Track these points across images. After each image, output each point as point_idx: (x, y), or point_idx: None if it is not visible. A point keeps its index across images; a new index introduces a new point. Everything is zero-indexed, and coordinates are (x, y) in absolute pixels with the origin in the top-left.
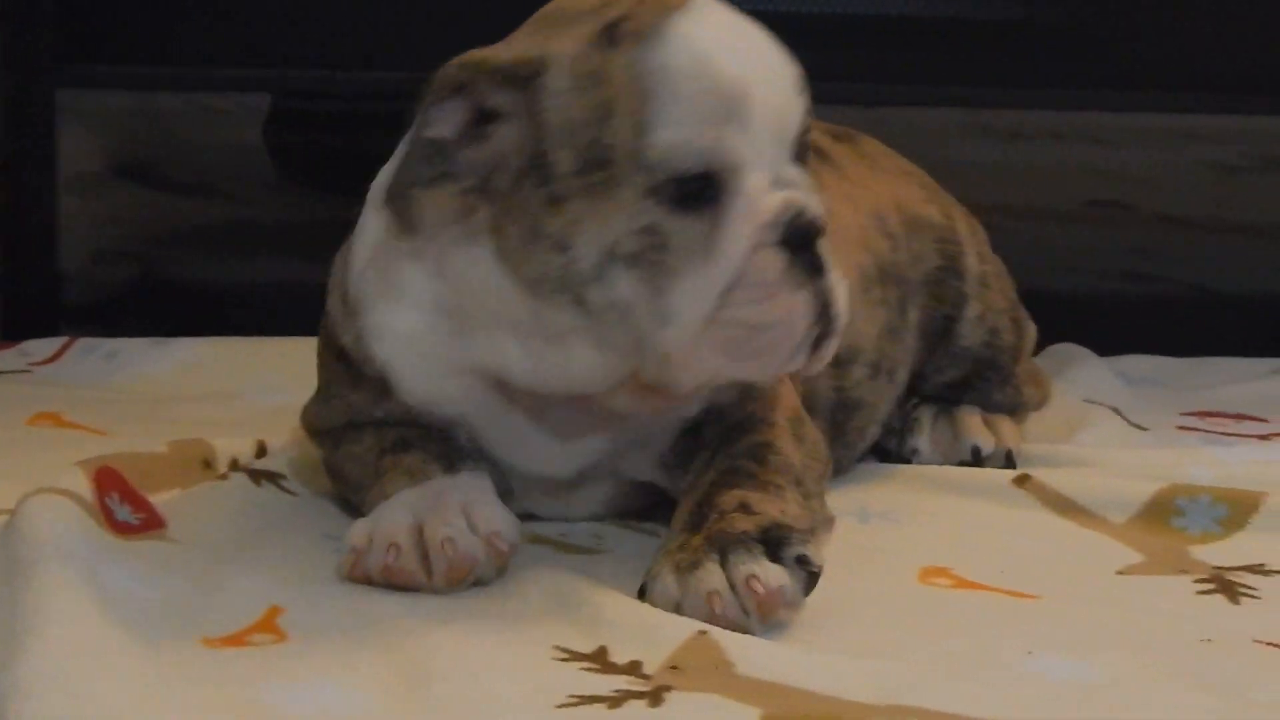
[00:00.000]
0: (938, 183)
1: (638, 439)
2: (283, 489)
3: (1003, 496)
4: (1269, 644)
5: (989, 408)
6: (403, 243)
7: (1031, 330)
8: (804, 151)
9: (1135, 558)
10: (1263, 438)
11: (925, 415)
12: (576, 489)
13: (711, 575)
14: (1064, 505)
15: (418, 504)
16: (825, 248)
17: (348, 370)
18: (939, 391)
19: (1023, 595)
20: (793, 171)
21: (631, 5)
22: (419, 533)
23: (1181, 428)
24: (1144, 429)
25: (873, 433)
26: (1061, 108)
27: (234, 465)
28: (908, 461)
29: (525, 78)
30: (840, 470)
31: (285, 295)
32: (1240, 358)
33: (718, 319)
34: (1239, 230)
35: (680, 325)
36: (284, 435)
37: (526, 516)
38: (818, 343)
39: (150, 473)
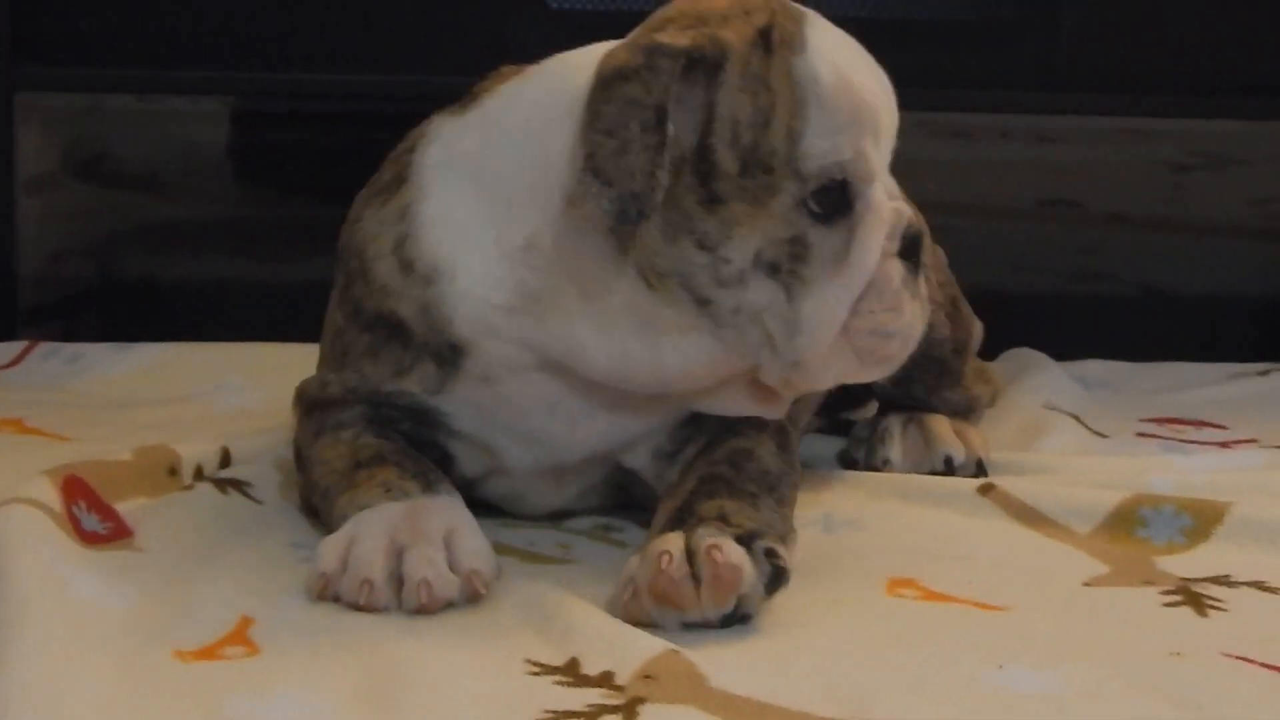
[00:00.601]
0: None
1: (640, 433)
2: (249, 497)
3: (968, 505)
4: (1238, 657)
5: (940, 408)
6: (487, 220)
7: (977, 328)
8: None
9: (1101, 569)
10: (1223, 445)
11: (895, 425)
12: (568, 476)
13: (670, 541)
14: (1029, 515)
15: (397, 528)
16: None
17: (378, 339)
18: (885, 390)
19: (990, 607)
20: (892, 182)
21: (772, 13)
22: (395, 559)
23: (1141, 434)
24: (1104, 436)
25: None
26: (1009, 110)
27: (199, 473)
28: (879, 472)
29: (707, 67)
30: None
31: (242, 293)
32: (1197, 363)
33: (850, 328)
34: (1189, 229)
35: (814, 333)
36: (247, 440)
37: (493, 519)
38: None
39: (116, 481)
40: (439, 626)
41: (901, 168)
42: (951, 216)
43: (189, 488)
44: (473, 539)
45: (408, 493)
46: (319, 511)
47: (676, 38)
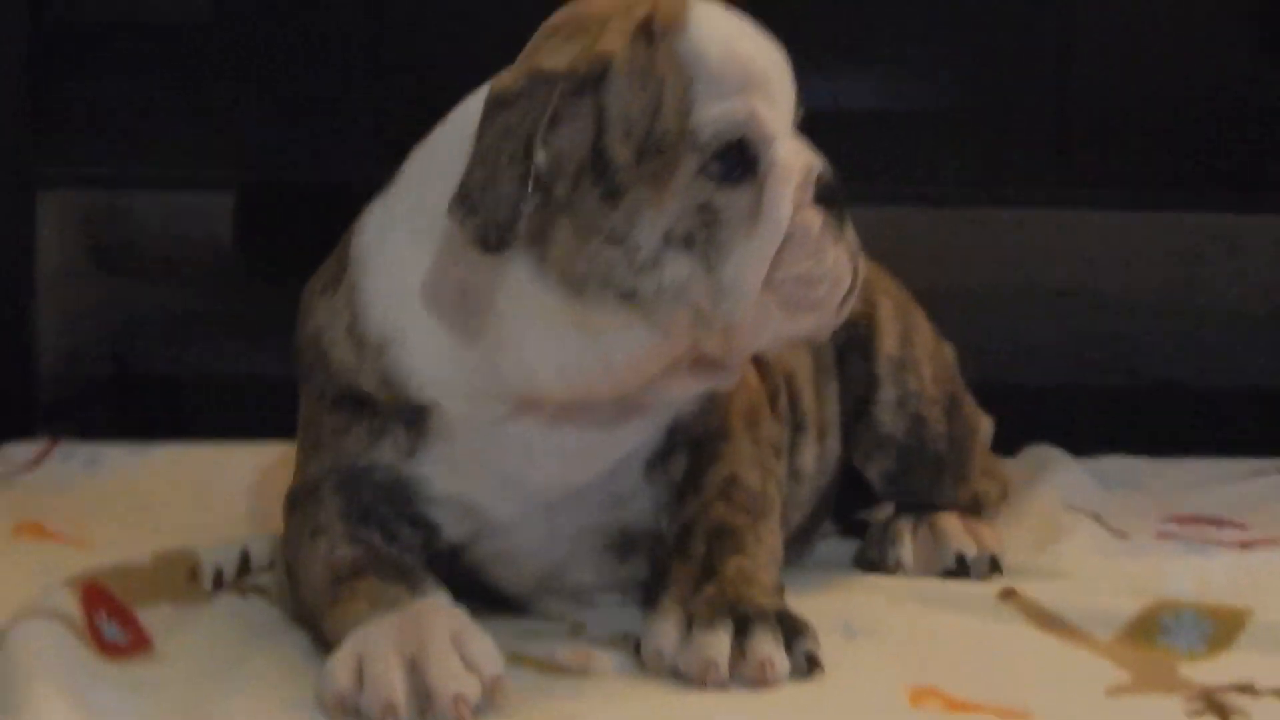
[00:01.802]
0: (895, 271)
1: (628, 453)
2: (270, 601)
3: (988, 611)
4: None
5: (945, 505)
6: (422, 275)
7: (985, 424)
8: (797, 126)
9: (1123, 677)
10: (1243, 545)
11: (905, 526)
12: (561, 513)
13: (719, 645)
14: (1049, 621)
15: (402, 640)
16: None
17: (345, 417)
18: (884, 488)
19: (1014, 715)
20: (799, 143)
21: (651, 4)
22: (411, 673)
23: (1161, 534)
24: (1124, 536)
25: (812, 499)
26: (1021, 204)
27: (219, 577)
28: (892, 574)
29: (592, 81)
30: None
31: (260, 388)
32: (1216, 458)
33: (773, 280)
34: (1205, 318)
35: (739, 294)
36: (266, 540)
37: (509, 627)
38: (843, 299)
39: (137, 586)
40: None
41: (915, 256)
42: (966, 307)
43: (209, 595)
44: (481, 640)
45: (397, 599)
46: (311, 627)
47: (558, 58)
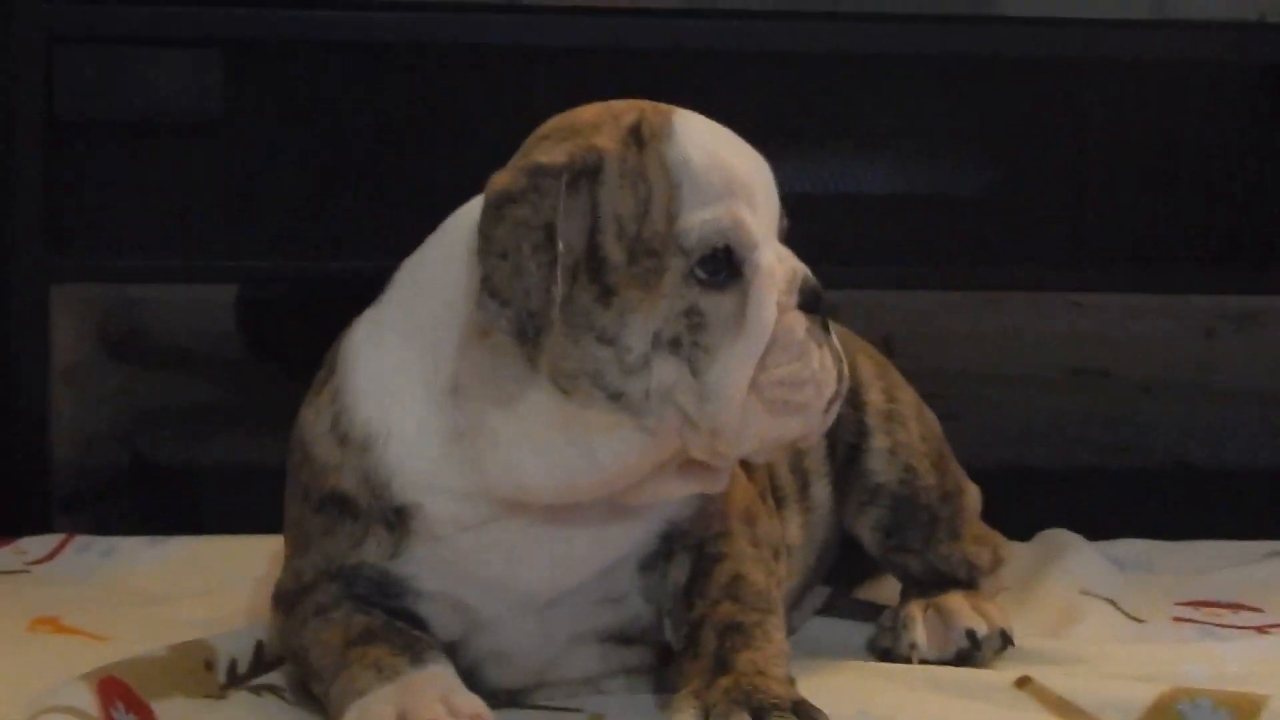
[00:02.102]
0: (911, 350)
1: (620, 555)
2: (285, 700)
3: (1004, 699)
4: None
5: (940, 568)
6: (409, 376)
7: (972, 490)
8: (783, 235)
9: None
10: (1260, 629)
11: (915, 609)
12: (555, 614)
13: None
14: (1066, 709)
15: (398, 699)
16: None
17: (328, 519)
18: (878, 543)
19: None
20: (783, 249)
21: (640, 112)
22: None
23: (1178, 619)
24: (1140, 621)
25: (808, 557)
26: (1035, 288)
27: (233, 669)
28: (907, 659)
29: (587, 175)
30: None
31: (273, 477)
32: (1232, 540)
33: (758, 383)
34: (1220, 398)
35: (724, 397)
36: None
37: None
38: (829, 404)
39: (153, 678)
40: None
41: (929, 338)
42: (980, 388)
43: (224, 690)
44: (466, 694)
45: (399, 670)
46: (319, 696)
47: (554, 154)
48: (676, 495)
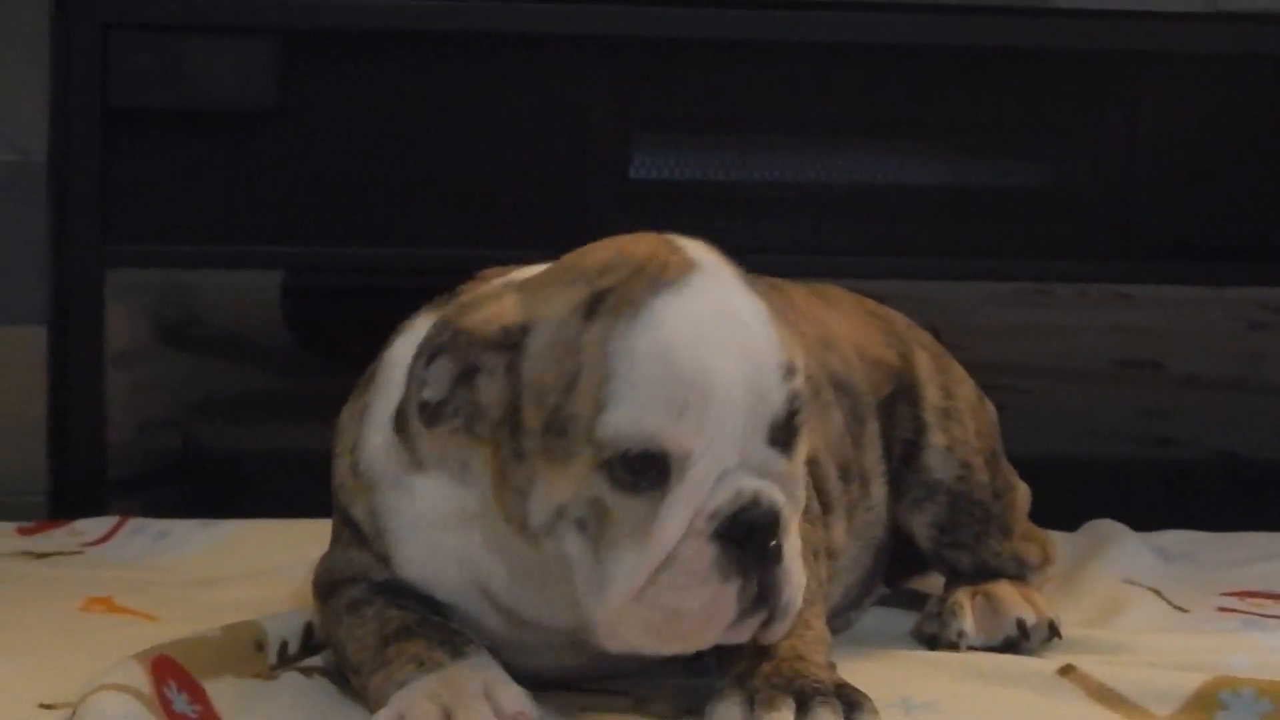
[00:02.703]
0: (960, 343)
1: None
2: (334, 681)
3: (1047, 687)
4: None
5: (990, 564)
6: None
7: (1022, 488)
8: (791, 434)
9: None
10: None
11: (964, 597)
12: (577, 645)
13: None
14: (1108, 697)
15: (440, 692)
16: (784, 534)
17: (353, 532)
18: (932, 540)
19: None
20: (765, 455)
21: (627, 275)
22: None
23: (1222, 609)
24: (1184, 610)
25: (864, 558)
26: (1084, 280)
27: (284, 650)
28: (955, 646)
29: (510, 342)
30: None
31: (322, 463)
32: (1277, 533)
33: (643, 598)
34: (1266, 391)
35: (610, 595)
36: None
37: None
38: (766, 623)
39: (205, 658)
40: None
41: (978, 330)
42: (1029, 380)
43: (275, 670)
44: (509, 688)
45: (439, 663)
46: (357, 689)
47: (485, 317)
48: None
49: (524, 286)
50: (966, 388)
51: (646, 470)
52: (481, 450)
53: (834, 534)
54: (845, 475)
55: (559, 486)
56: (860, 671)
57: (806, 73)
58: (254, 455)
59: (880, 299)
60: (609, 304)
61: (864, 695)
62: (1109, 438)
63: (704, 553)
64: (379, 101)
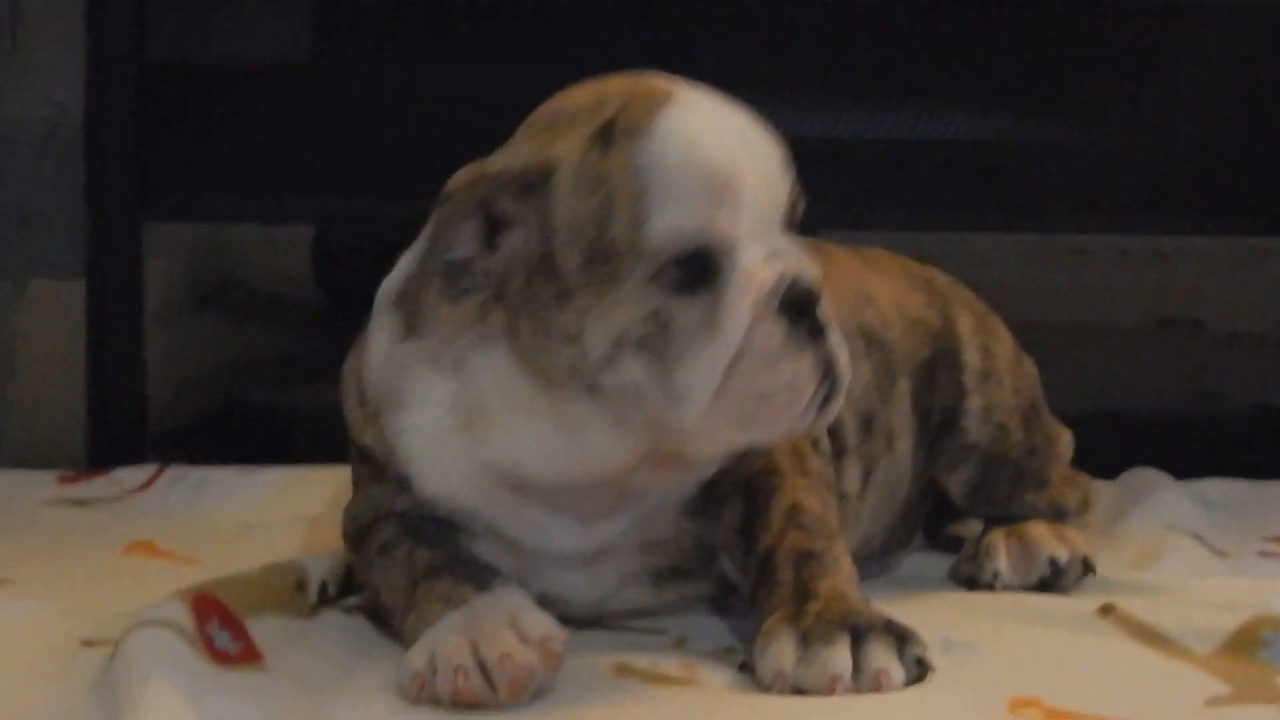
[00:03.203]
0: (997, 303)
1: (654, 508)
2: (373, 621)
3: (1087, 626)
4: None
5: (1024, 515)
6: (418, 347)
7: (1064, 436)
8: (794, 224)
9: (1222, 689)
10: None
11: (997, 538)
12: (600, 562)
13: (841, 658)
14: (1148, 635)
15: (466, 626)
16: (825, 311)
17: (370, 467)
18: (965, 498)
19: None
20: (785, 243)
21: (622, 104)
22: (476, 653)
23: (1263, 554)
24: (1225, 555)
25: (885, 509)
26: (1123, 231)
27: (324, 590)
28: (991, 587)
29: (535, 185)
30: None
31: None
32: None
33: (725, 391)
34: None
35: (690, 402)
36: None
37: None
38: (824, 402)
39: (246, 596)
40: None
41: (1019, 285)
42: (1068, 336)
43: (315, 609)
44: (535, 614)
45: (465, 598)
46: (395, 631)
47: (509, 161)
48: (667, 485)
49: (510, 148)
50: (1005, 345)
51: (699, 269)
52: (506, 316)
53: (845, 478)
54: (868, 427)
55: (614, 312)
56: (899, 613)
57: (840, 27)
58: (292, 411)
59: (919, 255)
60: (619, 130)
61: (913, 630)
62: (1148, 394)
63: (775, 331)
64: (415, 55)
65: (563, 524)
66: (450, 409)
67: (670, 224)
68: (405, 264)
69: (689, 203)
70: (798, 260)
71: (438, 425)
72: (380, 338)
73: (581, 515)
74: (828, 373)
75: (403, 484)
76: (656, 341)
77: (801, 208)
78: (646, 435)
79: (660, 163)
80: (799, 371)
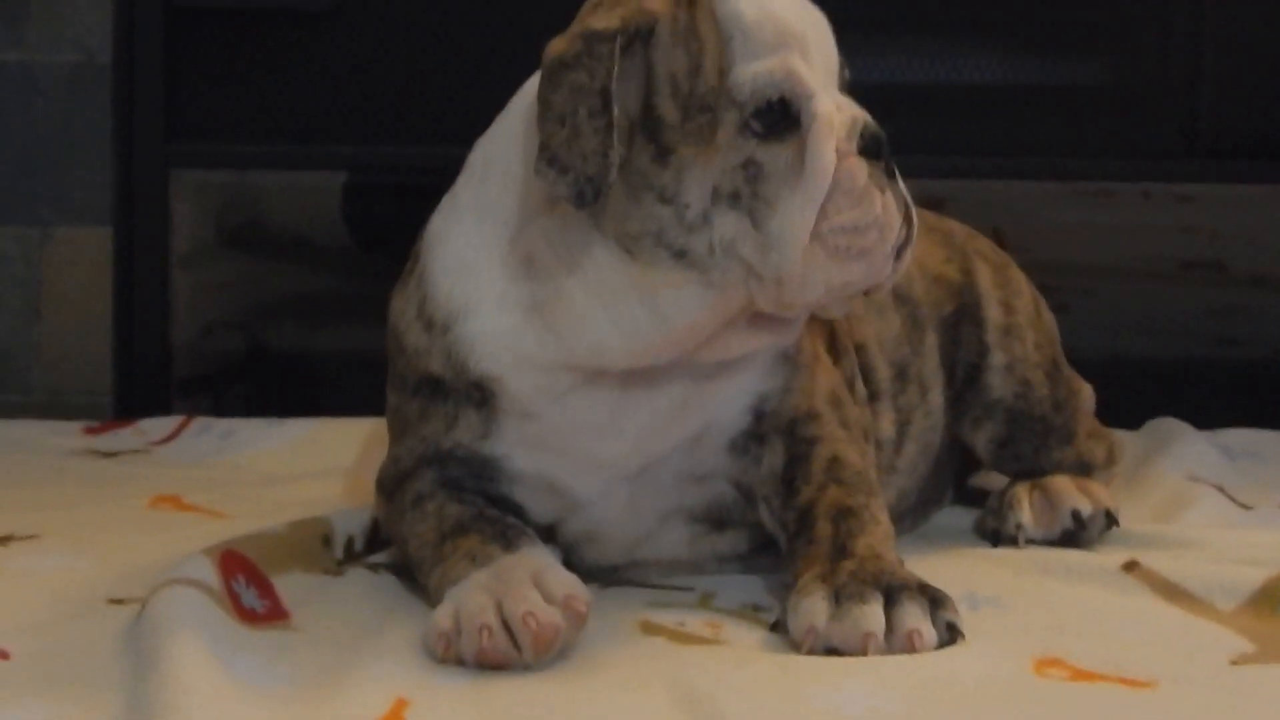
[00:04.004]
0: (1022, 245)
1: (702, 430)
2: (400, 577)
3: (1111, 582)
4: None
5: (1052, 469)
6: (487, 252)
7: (1085, 389)
8: (843, 88)
9: (1247, 647)
10: None
11: (1021, 491)
12: (641, 496)
13: (874, 616)
14: (1172, 592)
15: (491, 584)
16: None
17: (424, 402)
18: (992, 454)
19: (1138, 684)
20: (843, 98)
21: None
22: (501, 611)
23: None
24: (1248, 507)
25: (920, 464)
26: (1150, 178)
27: (350, 546)
28: (1014, 539)
29: (644, 37)
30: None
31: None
32: None
33: (820, 230)
34: None
35: (786, 246)
36: None
37: (639, 598)
38: (899, 251)
39: (272, 553)
40: (591, 707)
41: (1042, 230)
42: (1092, 280)
43: (341, 566)
44: (559, 573)
45: (491, 556)
46: (421, 584)
47: (609, 19)
48: (748, 350)
49: (599, 10)
50: (1025, 299)
51: (782, 116)
52: (556, 223)
53: (880, 422)
54: (902, 375)
55: (711, 162)
56: (926, 567)
57: None
58: (318, 356)
59: (941, 200)
60: None
61: (945, 594)
62: (1172, 338)
63: (860, 169)
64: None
65: (618, 432)
66: (522, 306)
67: (754, 71)
68: (472, 176)
69: (769, 52)
70: (860, 110)
71: (510, 325)
72: (445, 252)
73: (639, 424)
74: (905, 214)
75: (472, 399)
76: (748, 192)
77: (847, 74)
78: (735, 296)
79: (739, 15)
80: (886, 205)
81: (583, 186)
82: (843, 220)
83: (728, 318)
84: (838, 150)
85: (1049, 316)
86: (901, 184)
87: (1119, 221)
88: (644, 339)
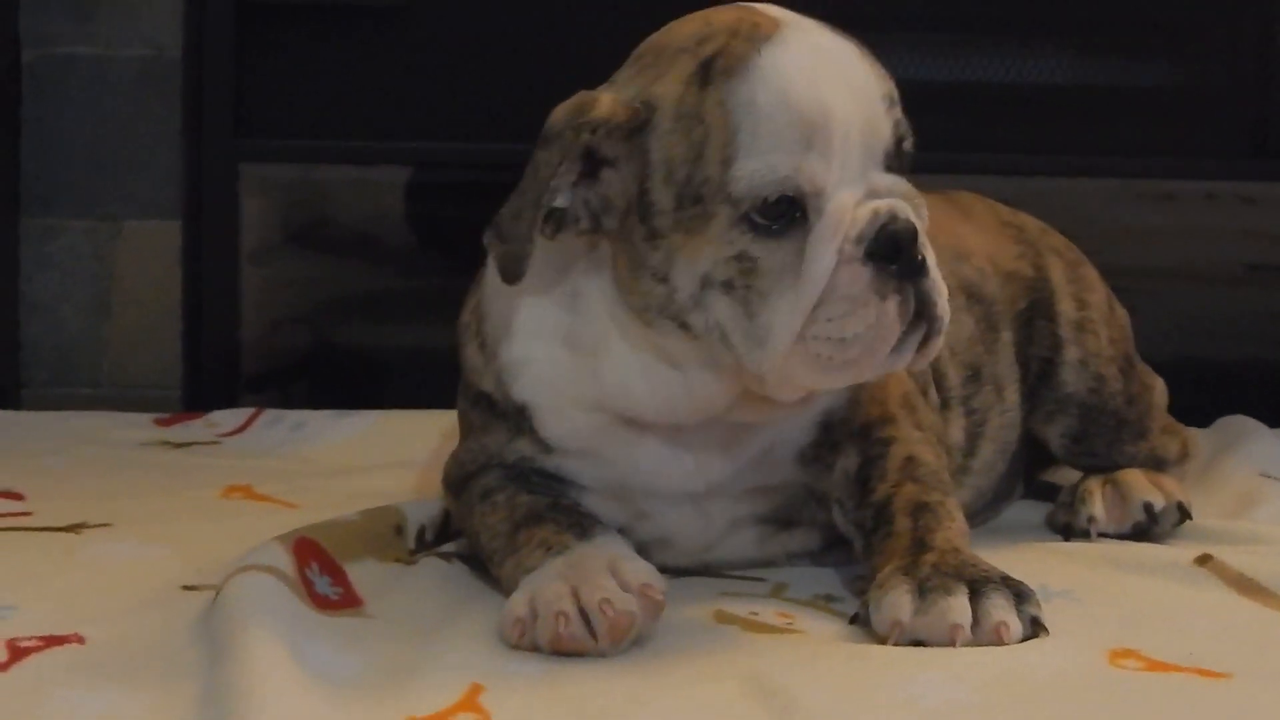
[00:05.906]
0: (1088, 246)
1: (767, 448)
2: (473, 567)
3: (1184, 576)
4: None
5: (1126, 464)
6: (529, 281)
7: (1158, 384)
8: (902, 160)
9: None
10: None
11: (1094, 485)
12: (711, 504)
13: (961, 609)
14: (1246, 585)
15: (567, 572)
16: (924, 249)
17: (483, 414)
18: (1065, 449)
19: (1214, 676)
20: (887, 180)
21: (725, 40)
22: (577, 599)
23: None
24: None
25: (998, 463)
26: (1217, 177)
27: (421, 535)
28: (1086, 532)
29: (636, 129)
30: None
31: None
32: None
33: (807, 336)
34: None
35: (770, 345)
36: None
37: (713, 589)
38: (924, 341)
39: (345, 541)
40: (665, 697)
41: (1107, 230)
42: (1158, 282)
43: (414, 555)
44: (635, 562)
45: (566, 545)
46: (494, 575)
47: (609, 105)
48: (770, 419)
49: (618, 81)
50: (1098, 295)
51: (785, 213)
52: (610, 248)
53: (950, 430)
54: (976, 377)
55: (702, 253)
56: (998, 560)
57: None
58: (385, 352)
59: (1009, 199)
60: (718, 67)
61: (1029, 588)
62: (1237, 340)
63: (860, 276)
64: None
65: (677, 462)
66: (564, 341)
67: (757, 167)
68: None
69: (778, 146)
70: (894, 202)
71: (551, 358)
72: (496, 281)
73: (696, 453)
74: (922, 313)
75: (518, 425)
76: (742, 284)
77: (909, 145)
78: (737, 374)
79: (752, 103)
80: (882, 317)
81: (507, 264)
82: (829, 330)
83: (736, 391)
84: (841, 253)
85: (1122, 312)
86: (930, 276)
87: (1183, 223)
88: (669, 402)
